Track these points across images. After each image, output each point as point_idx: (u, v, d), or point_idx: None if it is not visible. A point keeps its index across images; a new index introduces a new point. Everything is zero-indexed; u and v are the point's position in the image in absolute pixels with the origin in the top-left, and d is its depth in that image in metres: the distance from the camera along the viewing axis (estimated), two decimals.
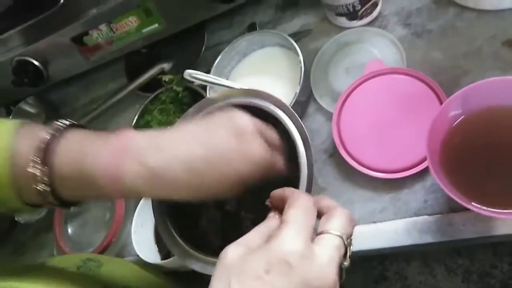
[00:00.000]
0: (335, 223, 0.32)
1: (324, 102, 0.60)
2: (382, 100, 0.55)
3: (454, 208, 0.48)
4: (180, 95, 0.69)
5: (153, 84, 0.76)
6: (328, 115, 0.59)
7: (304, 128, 0.42)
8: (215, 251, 0.41)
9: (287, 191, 0.36)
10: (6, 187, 0.36)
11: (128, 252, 0.69)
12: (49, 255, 0.78)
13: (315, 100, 0.61)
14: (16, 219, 0.79)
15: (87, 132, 0.38)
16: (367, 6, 0.59)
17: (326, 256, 0.30)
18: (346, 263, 0.32)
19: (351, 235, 0.33)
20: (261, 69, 0.65)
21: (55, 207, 0.38)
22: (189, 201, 0.38)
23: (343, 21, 0.61)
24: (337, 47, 0.61)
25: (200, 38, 0.73)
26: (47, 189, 0.35)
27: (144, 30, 0.72)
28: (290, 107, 0.43)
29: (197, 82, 0.64)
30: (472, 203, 0.40)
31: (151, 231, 0.64)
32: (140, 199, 0.66)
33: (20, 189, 0.36)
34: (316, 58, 0.62)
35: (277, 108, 0.44)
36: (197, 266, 0.42)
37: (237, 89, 0.47)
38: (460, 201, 0.39)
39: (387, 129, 0.53)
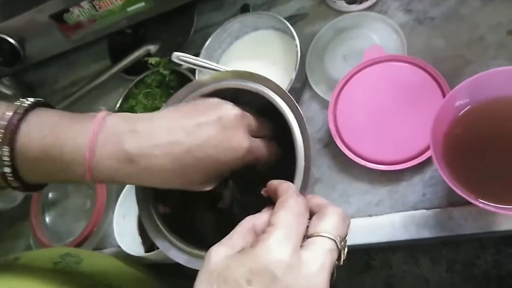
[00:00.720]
0: (327, 224, 0.30)
1: (320, 90, 0.57)
2: (381, 89, 0.52)
3: (453, 202, 0.46)
4: (167, 78, 0.65)
5: (138, 67, 0.71)
6: (324, 103, 0.57)
7: (303, 116, 0.40)
8: (203, 244, 0.38)
9: (282, 186, 0.33)
10: None
11: (110, 243, 0.65)
12: (25, 245, 0.74)
13: (310, 87, 0.58)
14: None
15: (57, 112, 0.36)
16: None
17: (316, 263, 0.27)
18: (341, 263, 0.30)
19: (345, 236, 0.31)
20: (254, 53, 0.62)
21: (16, 190, 0.35)
22: (169, 189, 0.36)
23: (342, 4, 0.58)
24: (335, 32, 0.59)
25: (189, 19, 0.69)
26: (8, 170, 0.33)
27: (130, 9, 0.67)
28: (287, 92, 0.40)
29: (185, 65, 0.60)
30: (479, 199, 0.38)
31: (135, 222, 0.61)
32: (123, 187, 0.62)
33: None
34: (312, 43, 0.59)
35: (273, 93, 0.41)
36: (181, 260, 0.39)
37: (229, 71, 0.43)
38: (465, 196, 0.37)
39: (385, 119, 0.51)
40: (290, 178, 0.37)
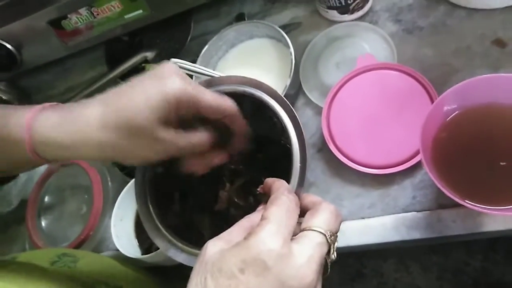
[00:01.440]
0: (319, 220, 0.31)
1: (313, 96, 0.59)
2: (372, 95, 0.54)
3: (442, 204, 0.48)
4: None
5: (135, 73, 0.72)
6: (317, 109, 0.59)
7: (298, 119, 0.41)
8: (201, 243, 0.39)
9: (275, 184, 0.35)
10: None
11: (106, 246, 0.66)
12: (20, 249, 0.73)
13: (304, 93, 0.60)
14: None
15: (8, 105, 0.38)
16: (358, 0, 0.58)
17: (305, 255, 0.29)
18: (333, 257, 0.31)
19: (336, 232, 0.32)
20: (249, 60, 0.64)
21: None
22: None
23: (334, 14, 0.60)
24: (328, 40, 0.61)
25: (185, 27, 0.71)
26: None
27: (127, 16, 0.69)
28: (283, 97, 0.42)
29: (183, 71, 0.62)
30: (466, 201, 0.40)
31: (131, 225, 0.62)
32: (120, 193, 0.63)
33: None
34: (305, 51, 0.61)
35: (269, 97, 0.42)
36: (180, 258, 0.40)
37: (226, 76, 0.45)
38: (454, 198, 0.39)
39: (377, 124, 0.53)
40: (286, 178, 0.39)
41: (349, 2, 0.58)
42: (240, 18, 0.69)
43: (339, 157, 0.53)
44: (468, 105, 0.43)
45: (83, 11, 0.68)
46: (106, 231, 0.66)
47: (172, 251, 0.40)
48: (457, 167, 0.44)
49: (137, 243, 0.61)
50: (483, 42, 0.52)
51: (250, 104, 0.42)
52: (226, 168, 0.46)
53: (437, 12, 0.56)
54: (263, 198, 0.37)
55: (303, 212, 0.34)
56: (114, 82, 0.75)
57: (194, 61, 0.63)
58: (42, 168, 0.74)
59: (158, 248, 0.54)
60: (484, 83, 0.41)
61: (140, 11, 0.68)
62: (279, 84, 0.58)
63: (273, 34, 0.61)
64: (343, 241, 0.51)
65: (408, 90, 0.52)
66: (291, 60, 0.56)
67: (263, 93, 0.42)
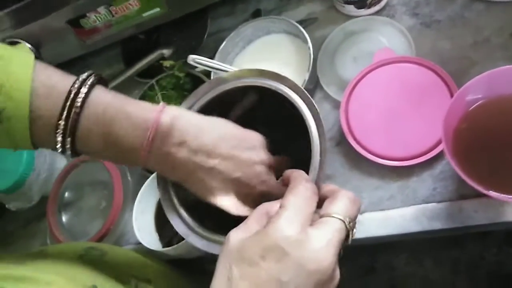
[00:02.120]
0: (337, 206, 0.32)
1: (331, 90, 0.59)
2: (391, 89, 0.55)
3: (464, 195, 0.48)
4: (181, 81, 0.68)
5: (152, 70, 0.74)
6: (335, 103, 0.59)
7: (318, 112, 0.42)
8: (220, 230, 0.40)
9: (294, 174, 0.36)
10: (23, 130, 0.34)
11: (126, 241, 0.67)
12: (40, 244, 0.75)
13: (321, 88, 0.60)
14: (7, 206, 0.76)
15: (115, 96, 0.37)
16: None
17: (323, 239, 0.30)
18: (348, 242, 0.32)
19: (355, 218, 0.33)
20: (266, 56, 0.64)
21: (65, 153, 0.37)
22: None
23: (351, 9, 0.61)
24: (345, 35, 0.61)
25: (202, 24, 0.72)
26: (69, 152, 0.35)
27: (145, 14, 0.70)
28: (303, 89, 0.42)
29: (200, 67, 0.63)
30: (490, 191, 0.40)
31: (152, 219, 0.63)
32: (138, 188, 0.64)
33: (36, 135, 0.35)
34: (323, 46, 0.62)
35: (290, 90, 0.43)
36: (200, 244, 0.41)
37: (248, 69, 0.45)
38: (477, 187, 0.39)
39: (395, 117, 0.53)
40: (306, 170, 0.39)
41: None
42: (256, 14, 0.70)
43: (358, 150, 0.54)
44: (490, 96, 0.44)
45: (101, 9, 0.69)
46: (126, 226, 0.67)
47: (192, 238, 0.41)
48: (478, 158, 0.44)
49: (158, 237, 0.62)
50: (501, 35, 0.53)
51: (271, 97, 0.43)
52: None
53: (455, 5, 0.56)
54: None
55: (321, 202, 0.34)
56: (132, 80, 0.76)
57: (211, 58, 0.64)
58: (62, 164, 0.76)
59: (179, 241, 0.55)
60: (507, 74, 0.42)
61: (158, 9, 0.69)
62: (297, 79, 0.58)
63: (290, 29, 0.62)
64: (362, 232, 0.51)
65: (427, 83, 0.53)
66: (309, 54, 0.57)
67: (283, 85, 0.43)
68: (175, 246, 0.54)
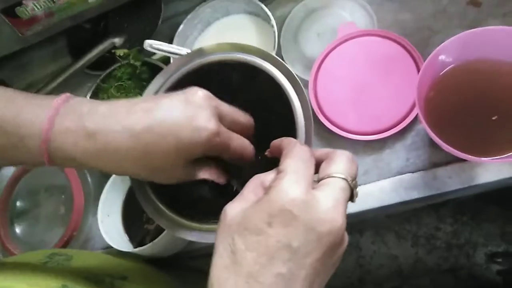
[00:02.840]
0: (337, 166, 0.31)
1: (297, 69, 0.58)
2: (357, 63, 0.54)
3: (436, 163, 0.49)
4: (138, 70, 0.63)
5: (103, 61, 0.69)
6: (302, 82, 0.58)
7: (297, 79, 0.40)
8: (207, 217, 0.38)
9: (285, 141, 0.34)
10: None
11: (91, 246, 0.62)
12: None
13: None
14: None
15: (14, 91, 0.34)
16: None
17: (330, 199, 0.28)
18: (353, 201, 0.31)
19: (356, 176, 0.32)
20: (228, 38, 0.62)
21: None
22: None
23: None
24: (306, 12, 0.60)
25: (155, 8, 0.67)
26: None
27: (91, 0, 0.64)
28: (276, 56, 0.41)
29: (158, 53, 0.59)
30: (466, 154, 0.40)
31: (119, 220, 0.58)
32: (100, 188, 0.59)
33: None
34: (284, 24, 0.60)
35: (261, 60, 0.41)
36: (191, 237, 0.38)
37: (225, 43, 0.43)
38: (453, 152, 0.40)
39: (364, 91, 0.53)
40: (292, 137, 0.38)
41: None
42: None
43: (329, 127, 0.53)
44: (459, 61, 0.44)
45: None
46: (91, 230, 0.63)
47: (181, 232, 0.38)
48: (449, 125, 0.45)
49: (128, 238, 0.57)
50: (458, 3, 0.54)
51: (244, 69, 0.41)
52: None
53: None
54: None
55: (317, 167, 0.32)
56: (82, 73, 0.70)
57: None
58: (10, 171, 0.69)
59: (153, 239, 0.52)
60: (475, 37, 0.42)
61: None
62: None
63: (251, 8, 0.60)
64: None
65: (393, 54, 0.53)
66: (274, 33, 0.55)
67: (254, 56, 0.41)
68: (150, 244, 0.50)
